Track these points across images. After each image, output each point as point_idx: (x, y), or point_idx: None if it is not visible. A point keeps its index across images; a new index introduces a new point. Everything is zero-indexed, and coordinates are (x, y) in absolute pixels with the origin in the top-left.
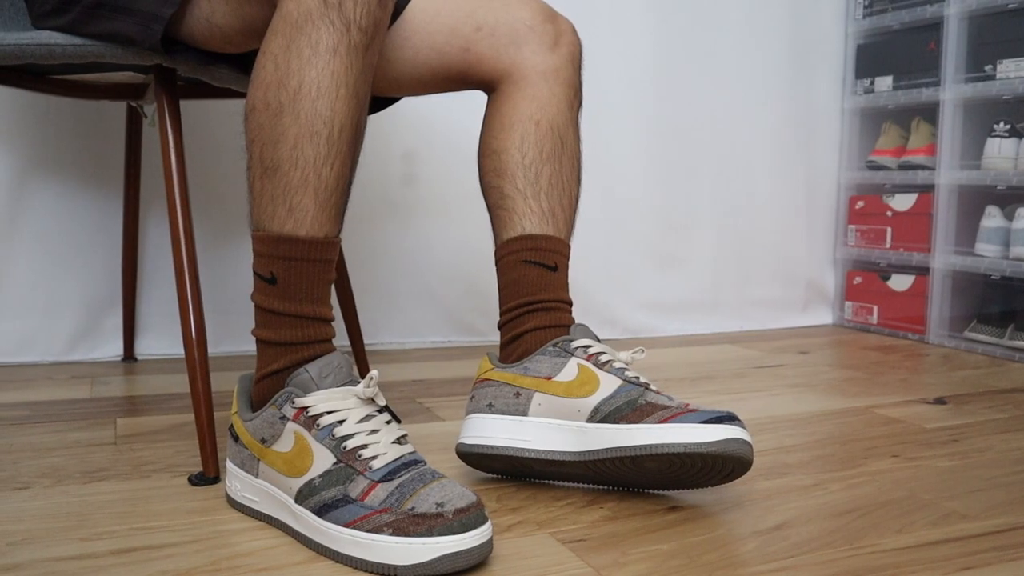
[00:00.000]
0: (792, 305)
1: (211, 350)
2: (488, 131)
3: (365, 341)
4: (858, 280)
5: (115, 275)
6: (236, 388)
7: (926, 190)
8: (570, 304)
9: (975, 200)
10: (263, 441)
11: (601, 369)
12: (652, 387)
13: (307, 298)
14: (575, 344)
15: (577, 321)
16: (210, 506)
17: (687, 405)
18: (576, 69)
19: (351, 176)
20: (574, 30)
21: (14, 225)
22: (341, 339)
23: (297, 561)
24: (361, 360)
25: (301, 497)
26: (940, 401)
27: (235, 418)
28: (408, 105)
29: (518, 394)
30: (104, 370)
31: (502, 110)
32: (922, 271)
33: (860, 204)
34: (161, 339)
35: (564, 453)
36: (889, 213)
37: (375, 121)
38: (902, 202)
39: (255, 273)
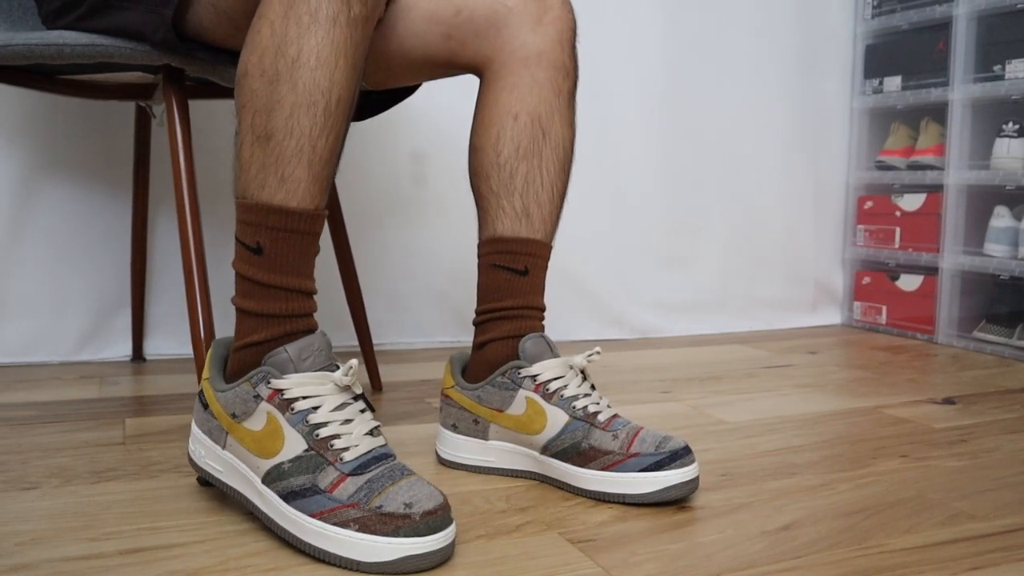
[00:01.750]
0: (801, 305)
1: None
2: (473, 126)
3: (373, 341)
4: (867, 280)
5: (124, 275)
6: (209, 353)
7: (935, 190)
8: (540, 308)
9: (984, 200)
10: (234, 416)
11: (549, 402)
12: (600, 417)
13: (293, 270)
14: (523, 373)
15: (583, 321)
16: (218, 506)
17: (631, 442)
18: (564, 48)
19: (342, 149)
20: (564, 3)
21: (23, 225)
22: (349, 339)
23: (304, 561)
24: (370, 360)
25: (269, 479)
26: (949, 401)
27: (205, 384)
28: (416, 105)
29: (476, 421)
30: (113, 370)
31: (484, 102)
32: (931, 271)
33: (869, 204)
34: (170, 339)
35: (528, 472)
36: (898, 213)
37: (383, 121)
38: (911, 202)
39: (238, 241)
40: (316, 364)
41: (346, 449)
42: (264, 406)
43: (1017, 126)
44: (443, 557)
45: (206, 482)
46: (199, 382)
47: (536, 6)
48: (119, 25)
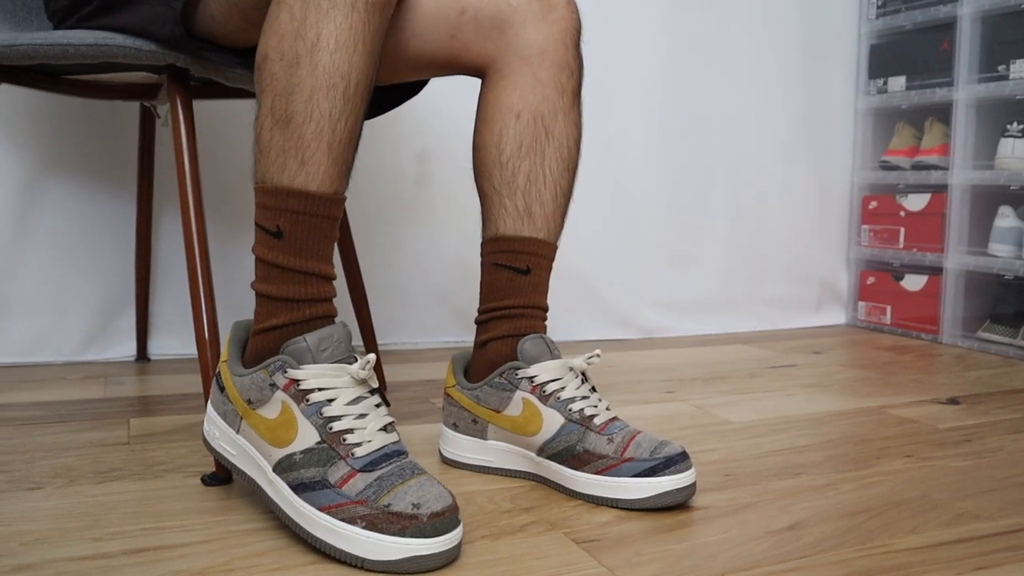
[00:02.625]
0: (805, 305)
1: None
2: (476, 124)
3: (378, 341)
4: (871, 280)
5: (128, 275)
6: (229, 335)
7: (939, 190)
8: (542, 308)
9: (988, 200)
10: (249, 402)
11: (545, 404)
12: (596, 420)
13: (312, 254)
14: (520, 375)
15: (587, 321)
16: (223, 506)
17: (626, 447)
18: (569, 47)
19: (360, 134)
20: (568, 4)
21: (28, 225)
22: (354, 339)
23: (310, 561)
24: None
25: (280, 469)
26: (953, 401)
27: (224, 367)
28: (421, 104)
29: (475, 420)
30: (117, 370)
31: (486, 101)
32: (935, 271)
33: (873, 204)
34: (174, 339)
35: (526, 473)
36: (902, 213)
37: (389, 120)
38: (915, 202)
39: (258, 225)
40: (335, 355)
41: (358, 444)
42: (279, 395)
43: (1022, 126)
44: (449, 559)
45: (210, 481)
46: (204, 385)
47: (540, 5)
48: (127, 22)
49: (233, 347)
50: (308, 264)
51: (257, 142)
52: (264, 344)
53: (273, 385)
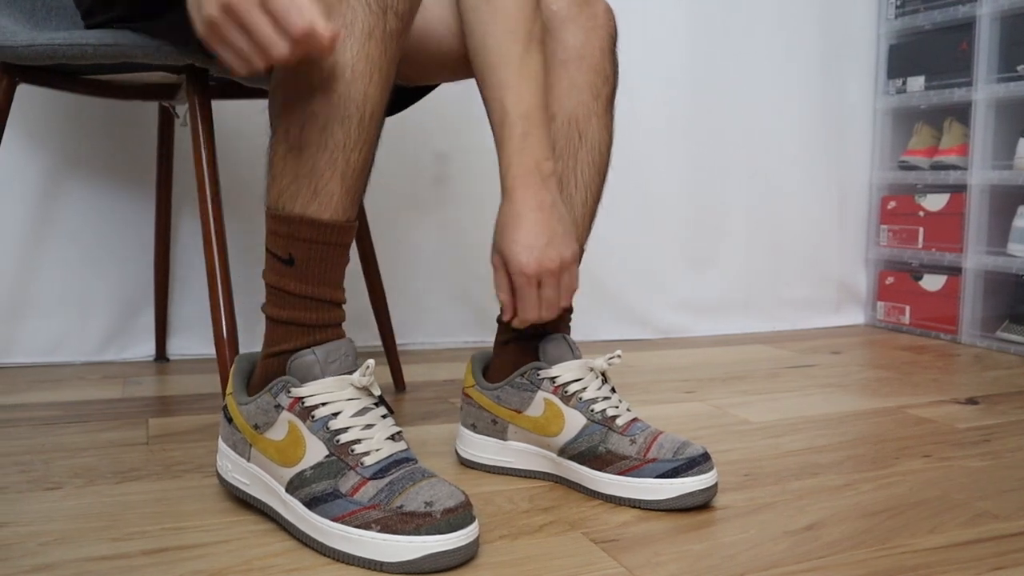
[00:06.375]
0: (824, 305)
1: (242, 350)
2: None
3: (397, 341)
4: (890, 280)
5: (147, 275)
6: (233, 367)
7: (958, 190)
8: (566, 310)
9: (1007, 200)
10: (256, 427)
11: (567, 404)
12: (618, 420)
13: (324, 281)
14: (542, 375)
15: (607, 321)
16: (242, 506)
17: (649, 448)
18: (605, 54)
19: (373, 160)
20: (607, 11)
21: (47, 225)
22: (373, 340)
23: (327, 561)
24: (393, 359)
25: (292, 487)
26: (972, 401)
27: (229, 399)
28: (440, 104)
29: (495, 421)
30: (136, 370)
31: None
32: (954, 271)
33: (892, 204)
34: (193, 339)
35: (546, 473)
36: (921, 213)
37: (407, 119)
38: (934, 202)
39: (269, 252)
40: (342, 368)
41: (367, 454)
42: (285, 415)
43: None
44: (466, 555)
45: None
46: (222, 384)
47: (580, 11)
48: (153, 29)
49: (237, 379)
50: (319, 291)
51: (270, 166)
52: (272, 368)
53: (278, 406)
